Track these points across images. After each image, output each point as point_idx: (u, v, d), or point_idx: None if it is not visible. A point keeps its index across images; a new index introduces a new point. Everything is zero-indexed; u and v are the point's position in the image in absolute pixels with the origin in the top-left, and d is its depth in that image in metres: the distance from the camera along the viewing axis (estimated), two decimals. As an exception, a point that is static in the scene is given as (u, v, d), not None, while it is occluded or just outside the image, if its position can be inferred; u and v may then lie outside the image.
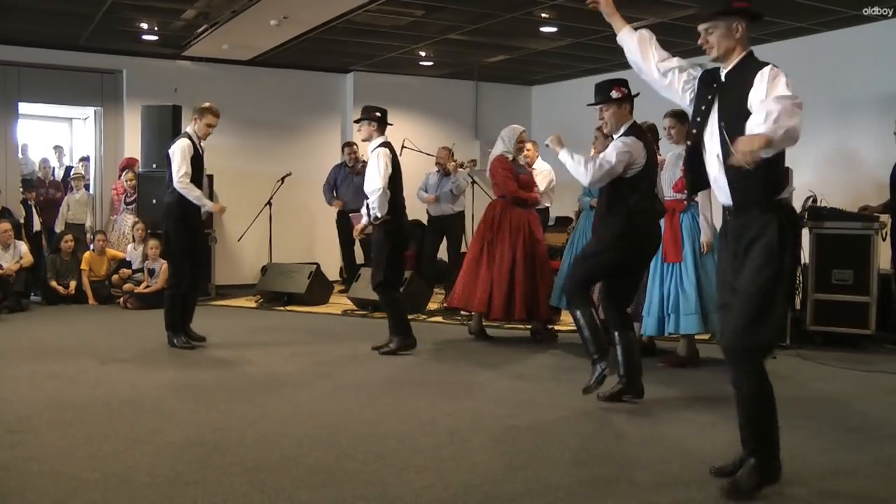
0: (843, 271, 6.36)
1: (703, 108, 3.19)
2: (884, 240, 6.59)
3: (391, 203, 5.95)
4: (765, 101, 2.83)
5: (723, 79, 3.15)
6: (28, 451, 3.68)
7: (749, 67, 3.05)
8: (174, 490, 3.19)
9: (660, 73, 3.39)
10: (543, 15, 8.12)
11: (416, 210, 9.59)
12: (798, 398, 4.84)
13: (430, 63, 10.89)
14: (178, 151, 6.16)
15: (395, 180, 5.98)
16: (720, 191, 3.18)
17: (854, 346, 6.34)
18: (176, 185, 6.12)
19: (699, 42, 3.17)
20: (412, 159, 9.51)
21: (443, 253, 9.28)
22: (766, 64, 3.01)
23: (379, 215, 5.91)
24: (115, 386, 5.01)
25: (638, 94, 4.61)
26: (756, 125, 2.76)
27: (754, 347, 3.06)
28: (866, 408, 4.67)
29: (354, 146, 9.55)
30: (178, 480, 3.30)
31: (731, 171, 3.05)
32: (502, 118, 12.20)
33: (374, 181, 5.89)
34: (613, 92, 4.54)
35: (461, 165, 9.12)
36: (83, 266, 9.01)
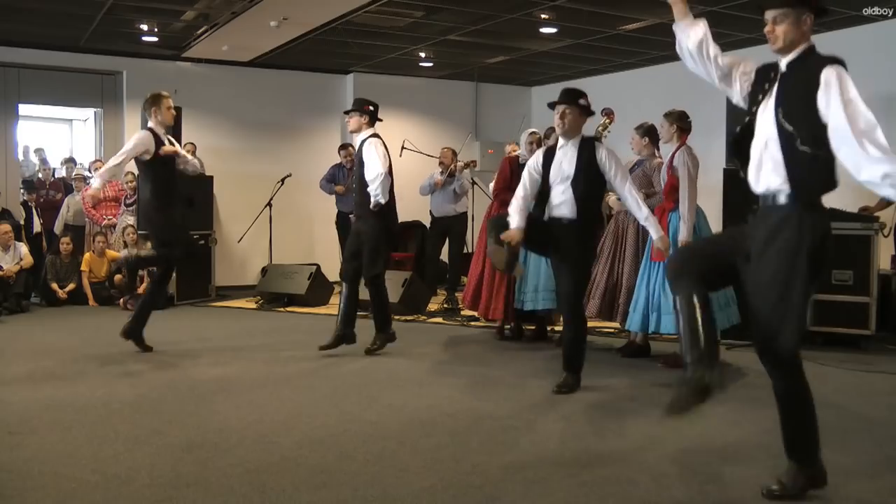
0: (843, 271, 6.36)
1: (760, 96, 3.14)
2: (886, 236, 6.59)
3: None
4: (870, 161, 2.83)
5: (783, 68, 3.10)
6: (28, 453, 3.68)
7: (813, 60, 3.01)
8: (174, 491, 3.19)
9: (718, 68, 3.26)
10: (543, 16, 8.12)
11: (418, 211, 9.61)
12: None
13: (430, 64, 10.90)
14: (133, 140, 5.94)
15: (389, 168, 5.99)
16: (758, 176, 3.11)
17: (854, 347, 6.34)
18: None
19: (765, 31, 3.09)
20: (412, 160, 9.52)
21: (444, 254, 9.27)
22: (832, 60, 2.95)
23: (383, 201, 5.89)
24: (115, 387, 5.01)
25: (593, 114, 4.98)
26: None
27: (786, 351, 3.02)
28: (866, 408, 4.67)
29: (351, 148, 9.50)
30: (178, 482, 3.30)
31: (793, 159, 2.98)
32: (502, 119, 12.28)
33: (376, 167, 5.88)
34: (582, 100, 4.85)
35: (466, 166, 9.13)
36: (83, 267, 9.03)
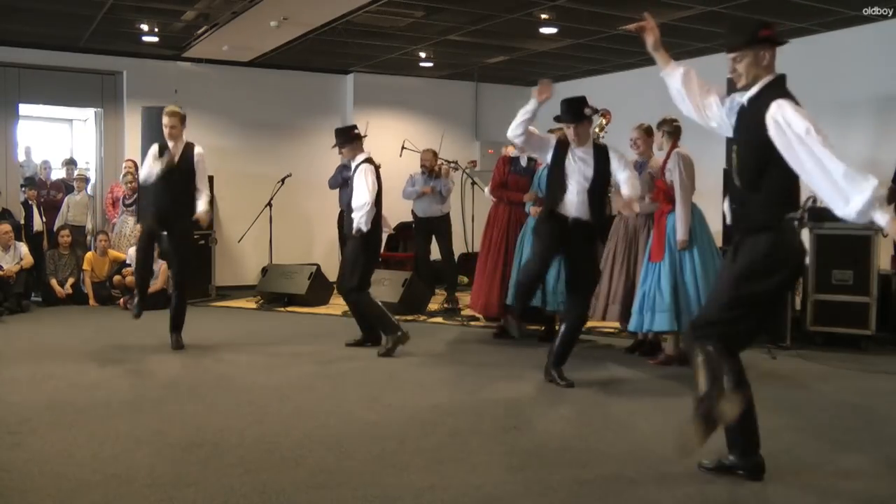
0: (843, 271, 6.37)
1: (733, 135, 3.31)
2: (885, 236, 6.59)
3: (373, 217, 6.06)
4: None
5: (745, 103, 3.22)
6: (28, 453, 3.68)
7: (765, 96, 3.10)
8: (174, 491, 3.19)
9: (700, 112, 3.39)
10: (543, 16, 8.11)
11: (403, 213, 9.59)
12: (798, 399, 4.85)
13: (430, 64, 10.89)
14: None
15: (377, 196, 6.09)
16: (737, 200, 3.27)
17: (854, 347, 6.34)
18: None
19: (729, 70, 3.23)
20: (412, 160, 9.51)
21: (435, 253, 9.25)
22: (778, 95, 3.04)
23: (364, 230, 5.99)
24: (116, 387, 5.01)
25: (597, 112, 5.21)
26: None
27: (705, 338, 3.22)
28: (866, 408, 4.67)
29: None
30: (178, 482, 3.30)
31: (735, 194, 3.18)
32: (502, 119, 12.16)
33: (363, 196, 5.99)
34: (586, 109, 5.04)
35: (453, 167, 9.11)
36: (85, 266, 9.03)
